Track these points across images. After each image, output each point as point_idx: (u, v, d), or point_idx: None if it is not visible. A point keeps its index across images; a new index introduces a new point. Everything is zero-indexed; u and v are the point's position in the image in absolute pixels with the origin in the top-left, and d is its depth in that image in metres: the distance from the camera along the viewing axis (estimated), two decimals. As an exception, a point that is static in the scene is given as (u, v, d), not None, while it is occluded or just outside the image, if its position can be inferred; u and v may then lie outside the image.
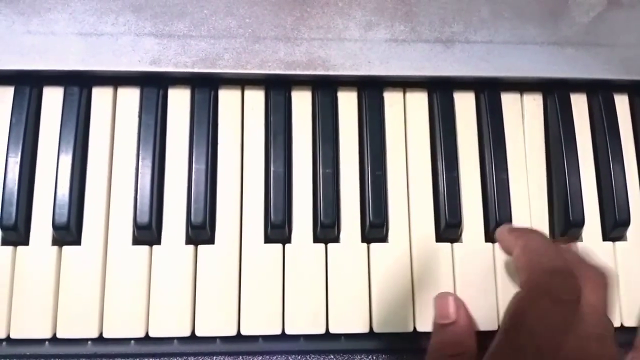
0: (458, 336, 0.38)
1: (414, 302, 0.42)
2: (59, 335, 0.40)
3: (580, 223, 0.43)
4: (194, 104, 0.43)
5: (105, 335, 0.40)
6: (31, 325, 0.40)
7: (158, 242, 0.42)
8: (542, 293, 0.34)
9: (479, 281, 0.42)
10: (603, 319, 0.34)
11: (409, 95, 0.46)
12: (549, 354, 0.32)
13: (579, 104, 0.46)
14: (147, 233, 0.41)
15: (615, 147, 0.45)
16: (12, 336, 0.40)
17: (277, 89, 0.44)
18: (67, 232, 0.41)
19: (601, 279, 0.35)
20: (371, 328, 0.41)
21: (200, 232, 0.41)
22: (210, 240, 0.42)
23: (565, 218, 0.43)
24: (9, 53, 0.41)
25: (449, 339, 0.39)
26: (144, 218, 0.41)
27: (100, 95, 0.44)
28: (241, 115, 0.44)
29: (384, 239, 0.43)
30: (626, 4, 0.45)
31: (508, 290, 0.42)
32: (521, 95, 0.46)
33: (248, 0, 0.43)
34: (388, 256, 0.42)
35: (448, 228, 0.43)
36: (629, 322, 0.43)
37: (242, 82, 0.44)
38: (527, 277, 0.35)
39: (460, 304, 0.40)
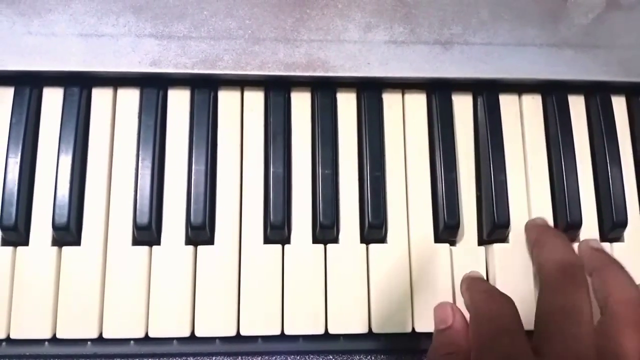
0: (453, 338, 0.39)
1: (412, 302, 0.42)
2: (58, 336, 0.40)
3: (578, 224, 0.44)
4: (193, 105, 0.43)
5: (105, 336, 0.40)
6: (31, 325, 0.40)
7: (158, 243, 0.42)
8: (555, 290, 0.37)
9: (477, 282, 0.42)
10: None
11: (407, 96, 0.46)
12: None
13: (577, 105, 0.46)
14: (147, 234, 0.41)
15: (613, 149, 0.45)
16: (12, 336, 0.40)
17: (277, 90, 0.44)
18: (67, 233, 0.41)
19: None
20: (370, 328, 0.41)
21: (200, 232, 0.41)
22: (210, 241, 0.42)
23: (563, 219, 0.44)
24: (10, 54, 0.41)
25: (445, 340, 0.40)
26: (143, 219, 0.41)
27: (100, 96, 0.44)
28: (241, 116, 0.44)
29: (382, 239, 0.43)
30: (625, 5, 0.46)
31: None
32: (519, 96, 0.46)
33: (248, 2, 0.43)
34: (387, 257, 0.42)
35: (447, 229, 0.43)
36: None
37: (241, 83, 0.44)
38: (541, 276, 0.40)
39: (456, 310, 0.41)
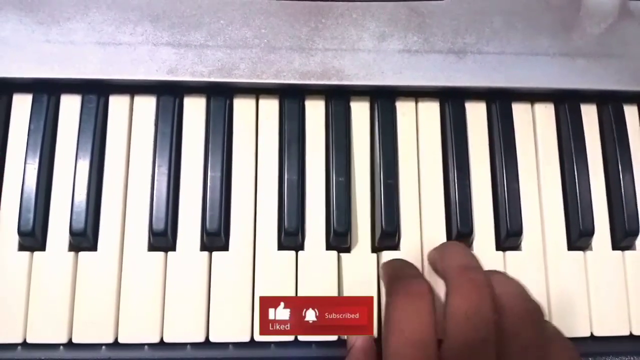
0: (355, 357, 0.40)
1: (425, 309, 0.42)
2: (74, 340, 0.40)
3: (590, 232, 0.44)
4: (209, 113, 0.44)
5: (120, 341, 0.41)
6: (47, 330, 0.40)
7: (173, 249, 0.42)
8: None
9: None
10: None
11: (421, 104, 0.46)
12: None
13: (589, 114, 0.47)
14: (163, 240, 0.42)
15: (625, 157, 0.45)
16: (28, 340, 0.40)
17: (292, 98, 0.44)
18: (84, 238, 0.41)
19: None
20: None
21: (215, 239, 0.42)
22: (225, 247, 0.42)
23: (575, 227, 0.44)
24: (28, 61, 0.42)
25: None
26: (159, 225, 0.41)
27: (118, 104, 0.44)
28: (256, 124, 0.45)
29: (395, 247, 0.43)
30: (637, 15, 0.46)
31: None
32: (532, 105, 0.47)
33: (264, 11, 0.43)
34: (400, 264, 0.43)
35: (459, 237, 0.43)
36: (638, 331, 0.43)
37: (257, 91, 0.45)
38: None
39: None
